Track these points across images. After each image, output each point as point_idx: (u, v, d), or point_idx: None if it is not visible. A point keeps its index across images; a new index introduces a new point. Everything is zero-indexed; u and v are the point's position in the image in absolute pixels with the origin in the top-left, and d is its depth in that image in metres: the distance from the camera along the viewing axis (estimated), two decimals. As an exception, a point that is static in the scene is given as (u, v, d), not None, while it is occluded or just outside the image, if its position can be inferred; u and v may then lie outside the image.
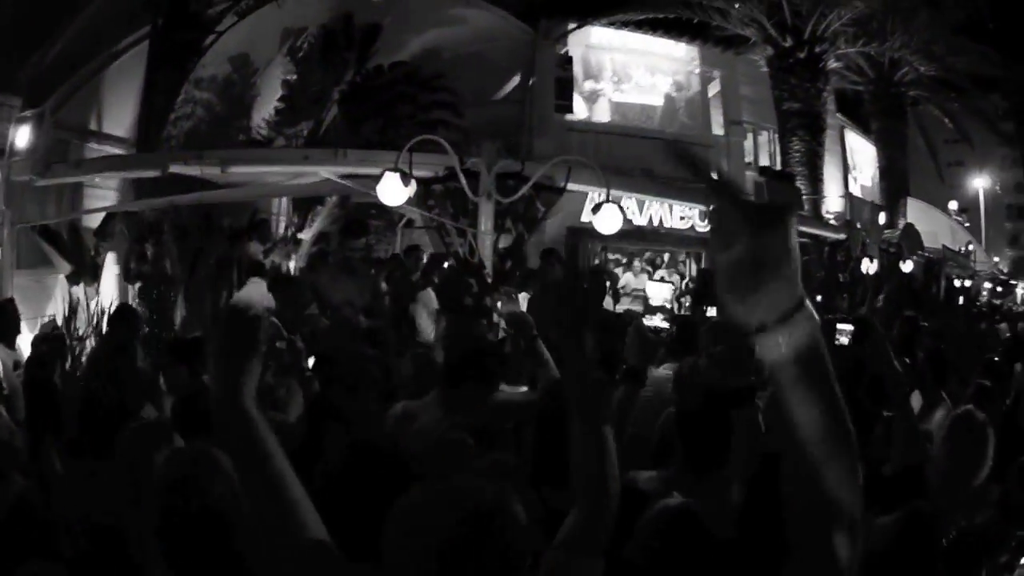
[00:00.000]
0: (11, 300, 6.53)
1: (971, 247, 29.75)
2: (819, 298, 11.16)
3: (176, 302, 8.08)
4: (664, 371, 4.51)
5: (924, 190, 36.97)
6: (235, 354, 1.62)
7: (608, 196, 7.16)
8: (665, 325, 8.66)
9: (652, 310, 10.13)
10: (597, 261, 14.88)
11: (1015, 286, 44.13)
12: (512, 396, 3.82)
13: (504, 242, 7.47)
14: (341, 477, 2.28)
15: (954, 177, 52.39)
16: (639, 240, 16.58)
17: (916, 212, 28.02)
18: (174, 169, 7.64)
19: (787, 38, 18.56)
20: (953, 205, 41.69)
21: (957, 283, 21.09)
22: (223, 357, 1.65)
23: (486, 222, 6.94)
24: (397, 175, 6.09)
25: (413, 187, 6.17)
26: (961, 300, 18.09)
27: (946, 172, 50.30)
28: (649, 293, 10.98)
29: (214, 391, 1.70)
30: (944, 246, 24.74)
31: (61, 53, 9.56)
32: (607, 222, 7.09)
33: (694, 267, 17.34)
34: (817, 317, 1.11)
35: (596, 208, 7.24)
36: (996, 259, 43.36)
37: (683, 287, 13.51)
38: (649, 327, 6.86)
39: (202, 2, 10.65)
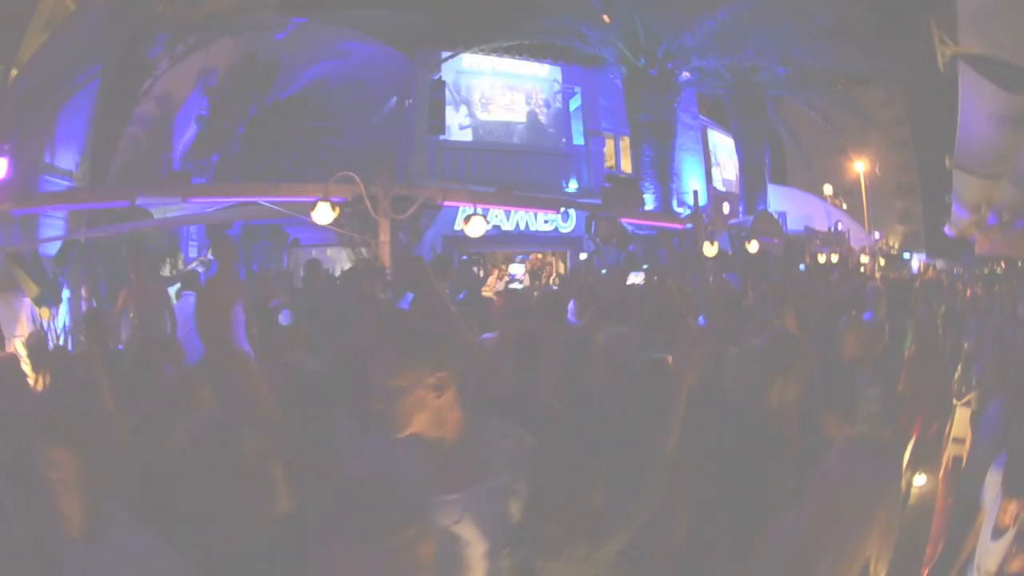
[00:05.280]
0: None
1: (840, 226, 30.38)
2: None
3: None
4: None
5: (800, 177, 39.38)
6: None
7: (476, 209, 9.61)
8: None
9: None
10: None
11: (908, 259, 47.68)
12: None
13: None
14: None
15: (837, 161, 54.68)
16: (509, 243, 18.75)
17: (789, 198, 29.96)
18: (140, 201, 8.86)
19: (640, 58, 19.91)
20: (828, 189, 43.60)
21: (822, 259, 22.08)
22: None
23: (384, 234, 9.05)
24: (327, 203, 8.32)
25: (337, 210, 8.47)
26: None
27: (827, 158, 52.29)
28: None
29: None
30: (807, 227, 25.79)
31: (25, 89, 10.03)
32: (475, 229, 9.35)
33: (559, 264, 19.86)
34: None
35: (467, 219, 9.43)
36: (877, 235, 45.21)
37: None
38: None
39: (146, 48, 11.56)
